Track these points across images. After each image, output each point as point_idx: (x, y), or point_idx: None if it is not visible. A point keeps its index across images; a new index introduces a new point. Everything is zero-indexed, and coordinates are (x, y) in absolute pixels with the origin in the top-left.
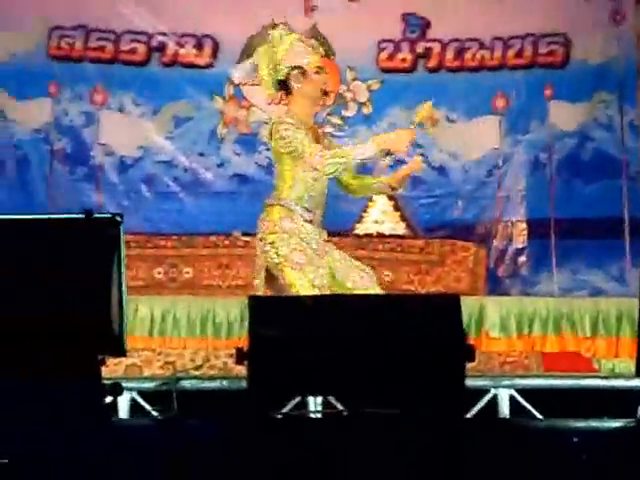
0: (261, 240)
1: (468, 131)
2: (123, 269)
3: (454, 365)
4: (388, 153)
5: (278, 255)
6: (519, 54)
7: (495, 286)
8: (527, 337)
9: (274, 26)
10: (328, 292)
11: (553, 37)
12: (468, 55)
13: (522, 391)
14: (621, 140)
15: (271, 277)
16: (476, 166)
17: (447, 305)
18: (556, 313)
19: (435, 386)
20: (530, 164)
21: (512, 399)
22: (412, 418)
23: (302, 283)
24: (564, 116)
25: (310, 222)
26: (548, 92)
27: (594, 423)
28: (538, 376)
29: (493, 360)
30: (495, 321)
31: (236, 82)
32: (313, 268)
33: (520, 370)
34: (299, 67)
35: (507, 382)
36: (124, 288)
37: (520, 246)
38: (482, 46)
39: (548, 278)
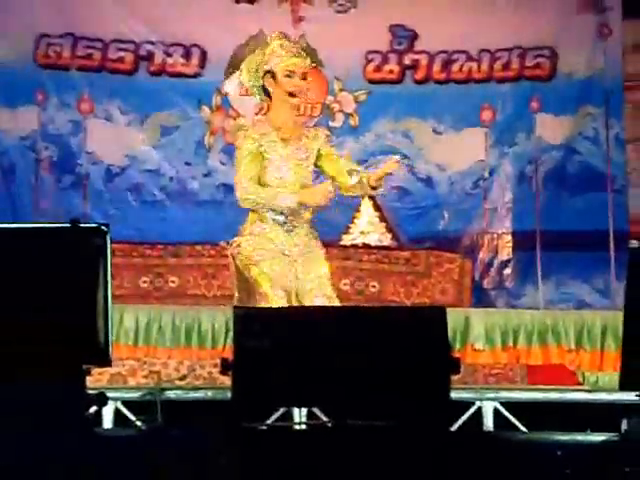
0: (231, 244)
1: (454, 143)
2: (109, 279)
3: (439, 377)
4: (306, 205)
5: (244, 255)
6: (506, 67)
7: (480, 298)
8: (512, 349)
9: (264, 37)
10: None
11: (540, 50)
12: (455, 67)
13: (506, 404)
14: (607, 153)
15: (243, 279)
16: (462, 178)
17: (433, 317)
18: (541, 325)
19: (420, 398)
20: (516, 176)
21: (496, 412)
22: (397, 430)
23: (262, 277)
24: (550, 129)
25: (283, 225)
26: (534, 105)
27: (578, 437)
28: (523, 389)
29: (478, 372)
30: (480, 333)
31: (230, 94)
32: (270, 262)
33: (505, 382)
34: (270, 71)
35: (491, 395)
36: (110, 298)
37: (506, 258)
38: (469, 58)
39: (533, 290)
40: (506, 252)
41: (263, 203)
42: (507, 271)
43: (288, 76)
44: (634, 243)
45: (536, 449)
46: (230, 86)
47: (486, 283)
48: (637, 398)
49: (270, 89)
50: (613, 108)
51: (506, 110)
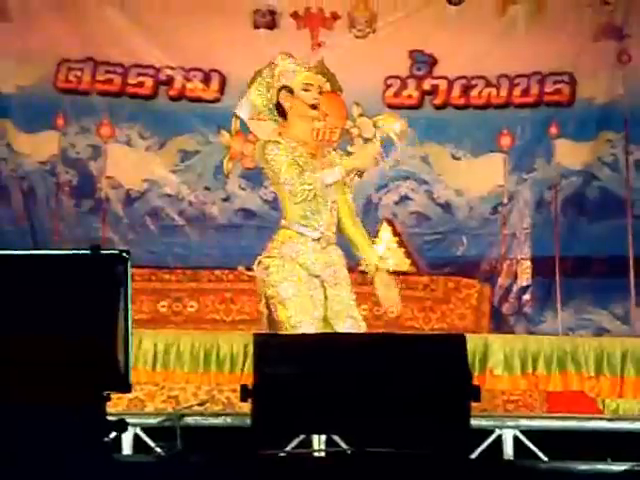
0: (259, 264)
1: (473, 168)
2: (129, 305)
3: (459, 405)
4: (358, 172)
5: (271, 286)
6: (525, 92)
7: (499, 324)
8: (531, 375)
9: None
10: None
11: (559, 76)
12: (474, 92)
13: (527, 432)
14: (626, 179)
15: (269, 302)
16: (481, 203)
17: (453, 344)
18: (560, 351)
19: (440, 426)
20: (535, 202)
21: (516, 440)
22: (417, 458)
23: (289, 304)
24: (569, 154)
25: (318, 240)
26: (553, 130)
27: (599, 466)
28: (543, 417)
29: (497, 398)
30: (499, 359)
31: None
32: (299, 302)
33: (524, 409)
34: (286, 86)
35: (511, 423)
36: (130, 324)
37: (525, 284)
38: (488, 84)
39: (552, 316)
40: (525, 278)
41: (312, 187)
42: (526, 297)
43: (306, 89)
44: None
45: (557, 478)
46: (242, 112)
47: (505, 309)
48: None
49: (287, 104)
50: (633, 134)
51: (525, 136)
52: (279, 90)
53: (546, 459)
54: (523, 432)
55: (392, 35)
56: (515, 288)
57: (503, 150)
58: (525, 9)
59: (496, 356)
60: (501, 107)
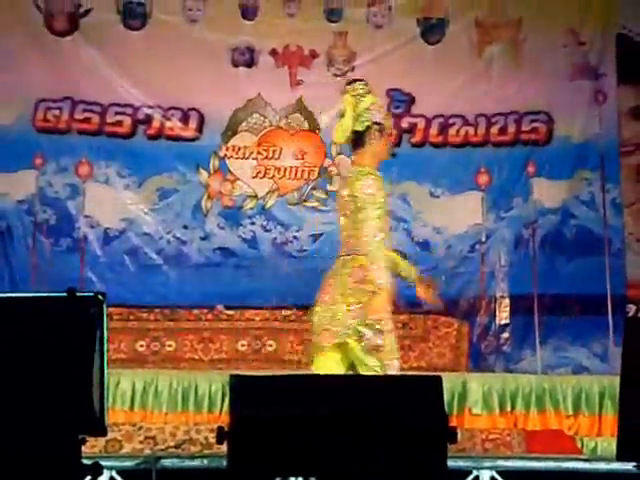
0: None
1: (451, 206)
2: (105, 347)
3: (436, 447)
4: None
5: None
6: (502, 131)
7: (478, 362)
8: (510, 414)
9: (351, 82)
10: None
11: (536, 115)
12: (452, 131)
13: (504, 472)
14: (604, 217)
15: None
16: (459, 241)
17: (429, 386)
18: (539, 390)
19: (418, 468)
20: (513, 240)
21: None
22: None
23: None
24: (547, 193)
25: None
26: (531, 169)
27: None
28: (520, 457)
29: (475, 437)
30: (477, 397)
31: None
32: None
33: (502, 448)
34: (379, 124)
35: (488, 463)
36: (106, 367)
37: (503, 322)
38: (466, 122)
39: (531, 354)
40: (504, 316)
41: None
42: (505, 335)
43: (390, 135)
44: (631, 308)
45: None
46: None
47: (484, 347)
48: (635, 469)
49: (371, 140)
50: (609, 172)
51: (502, 174)
52: (372, 123)
53: None
54: (500, 472)
55: (370, 73)
56: (494, 326)
57: (481, 188)
58: (501, 49)
59: (475, 395)
60: (479, 145)
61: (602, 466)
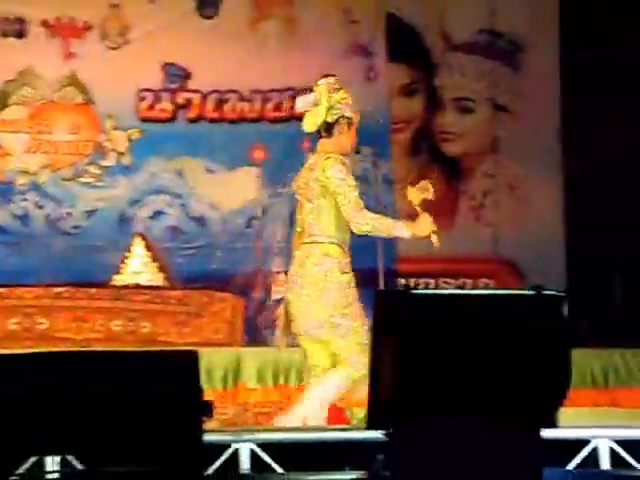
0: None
1: (227, 182)
2: None
3: (191, 421)
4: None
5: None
6: (278, 107)
7: (254, 337)
8: (284, 387)
9: (325, 76)
10: None
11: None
12: (228, 107)
13: (266, 445)
14: (376, 193)
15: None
16: (235, 217)
17: (184, 361)
18: None
19: (174, 443)
20: (289, 216)
21: (254, 453)
22: (151, 476)
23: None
24: None
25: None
26: (306, 145)
27: (331, 476)
28: (281, 430)
29: (249, 411)
30: (252, 372)
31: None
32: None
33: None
34: (349, 118)
35: (248, 436)
36: None
37: (279, 297)
38: (242, 98)
39: None
40: (280, 291)
41: (381, 230)
42: (280, 310)
43: (356, 131)
44: (401, 282)
45: None
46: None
47: (259, 322)
48: (384, 437)
49: (338, 132)
50: (381, 149)
51: (278, 150)
52: (341, 117)
53: (282, 471)
54: (262, 445)
55: (145, 47)
56: (269, 301)
57: (257, 164)
58: (276, 25)
59: (249, 369)
60: (254, 121)
61: (359, 435)
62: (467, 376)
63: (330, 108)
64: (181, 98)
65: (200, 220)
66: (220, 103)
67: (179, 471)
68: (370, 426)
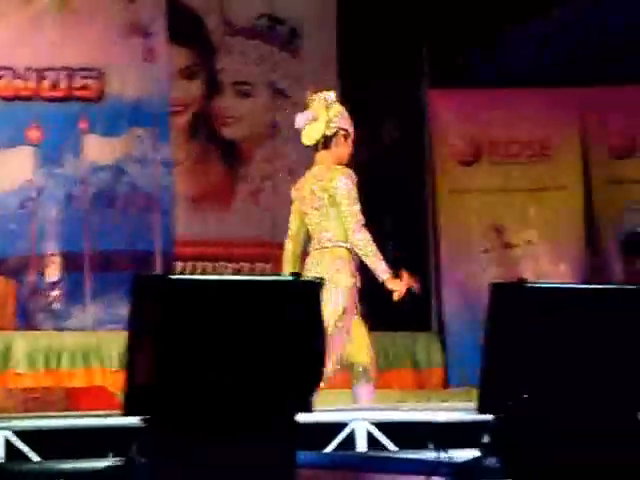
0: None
1: (2, 162)
2: None
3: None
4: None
5: None
6: (54, 86)
7: (27, 321)
8: (55, 372)
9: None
10: None
11: (88, 72)
12: (1, 84)
13: (20, 433)
14: (154, 175)
15: None
16: (9, 198)
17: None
18: (85, 347)
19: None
20: (65, 197)
21: (8, 442)
22: None
23: None
24: (99, 150)
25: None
26: (83, 126)
27: (88, 464)
28: (38, 417)
29: (16, 397)
30: (22, 357)
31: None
32: None
33: (46, 408)
34: (346, 130)
35: (5, 424)
36: None
37: (53, 279)
38: (16, 75)
39: (82, 311)
40: (54, 273)
41: (370, 256)
42: (55, 293)
43: (353, 142)
44: (178, 265)
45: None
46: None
47: (32, 305)
48: None
49: (338, 145)
50: (161, 131)
51: (54, 130)
52: (339, 129)
53: (39, 459)
54: (18, 433)
55: None
56: (44, 284)
57: (32, 144)
58: (52, 1)
59: (19, 354)
60: (29, 100)
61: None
62: (221, 362)
63: (328, 122)
64: None
65: None
66: None
67: None
68: (127, 412)
